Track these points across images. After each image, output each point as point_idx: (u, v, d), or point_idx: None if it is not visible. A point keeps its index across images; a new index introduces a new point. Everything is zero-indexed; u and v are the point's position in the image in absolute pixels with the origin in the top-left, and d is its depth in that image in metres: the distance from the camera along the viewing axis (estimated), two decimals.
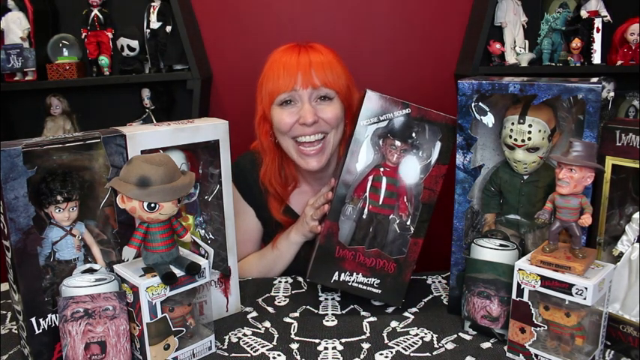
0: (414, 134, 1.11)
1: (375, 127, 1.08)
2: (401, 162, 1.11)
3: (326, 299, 1.19)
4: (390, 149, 1.11)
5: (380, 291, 1.10)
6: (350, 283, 1.10)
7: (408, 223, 1.12)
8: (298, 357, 0.98)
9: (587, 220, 0.87)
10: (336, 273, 1.09)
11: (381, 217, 1.12)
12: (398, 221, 1.12)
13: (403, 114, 1.06)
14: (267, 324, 1.09)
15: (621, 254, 0.95)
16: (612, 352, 0.96)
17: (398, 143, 1.10)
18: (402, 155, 1.11)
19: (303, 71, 1.25)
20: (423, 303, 1.17)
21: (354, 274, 1.09)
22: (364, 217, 1.12)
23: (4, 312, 1.17)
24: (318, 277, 1.10)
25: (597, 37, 2.02)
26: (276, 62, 1.29)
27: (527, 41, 2.12)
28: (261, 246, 1.48)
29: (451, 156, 1.08)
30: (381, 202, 1.11)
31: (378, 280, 1.10)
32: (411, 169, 1.11)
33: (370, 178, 1.11)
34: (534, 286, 0.89)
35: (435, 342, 1.01)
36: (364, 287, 1.10)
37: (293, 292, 1.24)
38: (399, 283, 1.10)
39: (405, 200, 1.12)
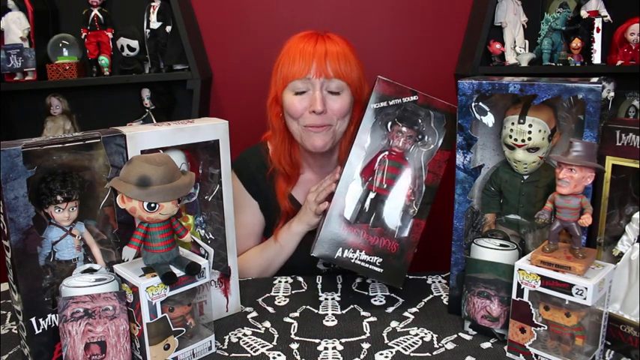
0: (420, 121, 1.14)
1: (383, 112, 1.12)
2: (406, 148, 1.14)
3: (326, 299, 1.19)
4: (396, 135, 1.14)
5: (382, 270, 1.11)
6: (353, 260, 1.11)
7: (412, 205, 1.14)
8: (298, 357, 0.98)
9: (587, 220, 0.87)
10: (340, 249, 1.10)
11: (385, 198, 1.14)
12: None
13: (411, 100, 1.11)
14: (267, 324, 1.09)
15: (621, 254, 0.95)
16: (612, 352, 0.96)
17: (405, 129, 1.14)
18: (408, 141, 1.14)
19: (318, 60, 1.27)
20: (423, 303, 1.17)
21: (358, 251, 1.11)
22: (369, 198, 1.14)
23: (4, 312, 1.17)
24: (322, 252, 1.11)
25: (597, 37, 2.02)
26: (292, 48, 1.31)
27: (527, 41, 2.12)
28: (262, 240, 1.49)
29: (454, 143, 1.10)
30: (385, 185, 1.14)
31: (381, 259, 1.11)
32: (416, 154, 1.15)
33: (377, 161, 1.14)
34: (534, 286, 0.89)
35: (435, 342, 1.01)
36: (366, 265, 1.11)
37: (293, 292, 1.24)
38: (400, 264, 1.12)
39: (410, 183, 1.14)
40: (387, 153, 1.15)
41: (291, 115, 1.32)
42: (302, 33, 1.35)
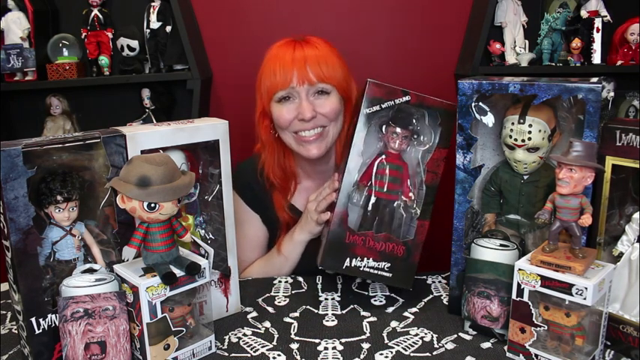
0: (414, 120, 1.13)
1: (377, 115, 1.10)
2: (403, 148, 1.13)
3: (326, 299, 1.19)
4: (391, 136, 1.13)
5: (391, 274, 1.11)
6: (361, 269, 1.10)
7: (414, 206, 1.13)
8: (298, 357, 0.98)
9: (587, 220, 0.87)
10: (347, 259, 1.10)
11: (386, 203, 1.14)
12: (403, 205, 1.14)
13: (403, 101, 1.09)
14: (267, 324, 1.09)
15: (621, 254, 0.95)
16: (612, 352, 0.96)
17: (399, 130, 1.13)
18: (404, 142, 1.13)
19: (298, 68, 1.26)
20: (423, 303, 1.17)
21: (365, 259, 1.10)
22: (371, 203, 1.14)
23: (4, 312, 1.17)
24: (329, 264, 1.11)
25: (597, 37, 2.02)
26: (272, 59, 1.30)
27: (527, 41, 2.12)
28: (268, 251, 1.47)
29: (451, 140, 1.10)
30: (385, 189, 1.13)
31: (389, 264, 1.11)
32: (413, 154, 1.14)
33: (374, 165, 1.14)
34: (534, 286, 0.89)
35: (435, 342, 1.01)
36: (375, 272, 1.11)
37: (293, 292, 1.24)
38: (408, 266, 1.12)
39: (409, 184, 1.14)
40: (384, 156, 1.13)
41: (280, 125, 1.31)
42: (279, 42, 1.33)
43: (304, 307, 1.16)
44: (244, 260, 1.40)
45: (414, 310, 1.14)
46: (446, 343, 1.01)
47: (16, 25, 2.10)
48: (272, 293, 1.23)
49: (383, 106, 1.09)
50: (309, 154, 1.32)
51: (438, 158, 1.11)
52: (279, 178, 1.39)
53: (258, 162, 1.43)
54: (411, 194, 1.13)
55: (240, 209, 1.42)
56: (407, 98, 1.09)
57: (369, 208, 1.14)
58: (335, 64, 1.29)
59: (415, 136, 1.14)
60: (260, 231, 1.46)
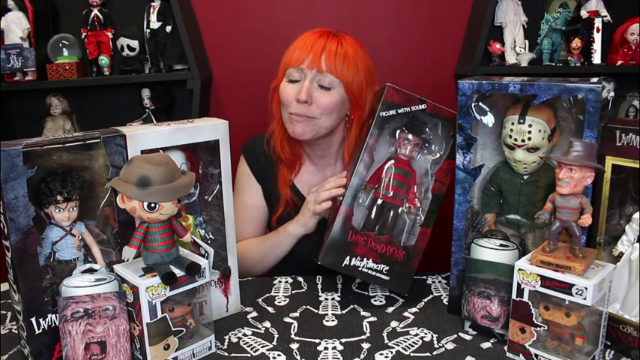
0: (427, 129, 1.15)
1: (391, 120, 1.12)
2: (413, 155, 1.14)
3: (326, 299, 1.19)
4: (403, 142, 1.14)
5: (388, 278, 1.12)
6: (360, 269, 1.11)
7: (418, 213, 1.14)
8: (298, 357, 0.98)
9: (587, 220, 0.87)
10: (347, 257, 1.10)
11: (391, 207, 1.15)
12: (407, 211, 1.15)
13: (419, 109, 1.10)
14: (267, 324, 1.09)
15: (621, 254, 0.95)
16: (612, 352, 0.96)
17: (411, 137, 1.14)
18: (415, 149, 1.14)
19: (314, 53, 1.29)
20: (423, 303, 1.17)
21: (365, 259, 1.11)
22: (376, 205, 1.15)
23: (4, 312, 1.17)
24: (329, 260, 1.11)
25: (597, 37, 2.02)
26: (298, 40, 1.34)
27: (527, 41, 2.12)
28: (266, 231, 1.49)
29: None
30: (392, 193, 1.14)
31: (387, 267, 1.11)
32: (422, 162, 1.15)
33: (384, 168, 1.15)
34: (534, 286, 0.89)
35: (435, 342, 1.01)
36: (373, 273, 1.11)
37: (293, 292, 1.24)
38: (406, 271, 1.12)
39: (415, 191, 1.15)
40: (393, 161, 1.15)
41: (282, 101, 1.33)
42: (317, 29, 1.36)
43: (304, 307, 1.16)
44: (238, 231, 1.40)
45: (414, 310, 1.14)
46: (446, 343, 1.01)
47: (16, 25, 2.10)
48: (272, 293, 1.23)
49: (399, 111, 1.10)
50: (294, 130, 1.32)
51: (447, 169, 1.13)
52: (287, 153, 1.41)
53: (270, 137, 1.45)
54: (416, 201, 1.14)
55: (245, 176, 1.46)
56: (423, 106, 1.10)
57: (374, 210, 1.15)
58: (352, 65, 1.30)
59: (426, 145, 1.15)
60: (259, 202, 1.47)
